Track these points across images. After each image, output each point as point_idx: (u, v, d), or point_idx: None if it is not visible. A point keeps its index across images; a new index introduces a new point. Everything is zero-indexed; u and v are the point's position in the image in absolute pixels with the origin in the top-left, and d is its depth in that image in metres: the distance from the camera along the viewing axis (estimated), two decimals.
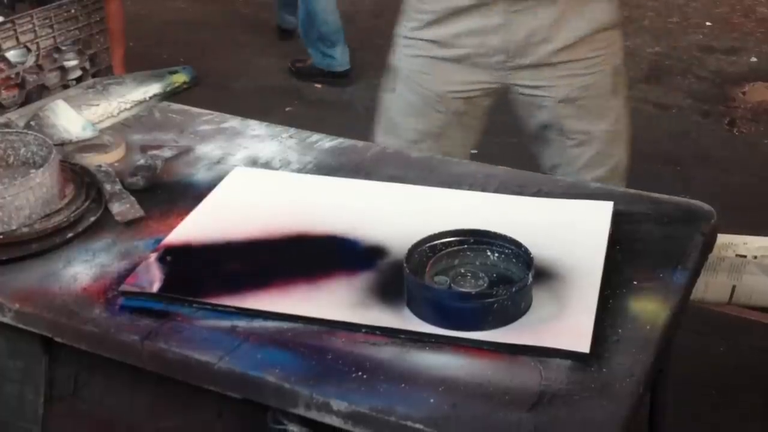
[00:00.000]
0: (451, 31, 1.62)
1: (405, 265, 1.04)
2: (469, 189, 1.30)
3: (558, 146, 1.70)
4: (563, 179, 1.33)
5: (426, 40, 1.66)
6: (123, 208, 1.26)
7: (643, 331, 1.01)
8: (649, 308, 1.05)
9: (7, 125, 1.46)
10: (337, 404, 0.92)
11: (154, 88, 1.60)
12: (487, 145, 1.84)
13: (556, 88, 1.64)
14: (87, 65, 1.72)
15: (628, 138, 1.77)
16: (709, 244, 1.21)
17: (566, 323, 1.01)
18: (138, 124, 1.53)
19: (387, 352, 0.99)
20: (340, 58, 3.85)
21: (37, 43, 1.63)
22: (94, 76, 1.72)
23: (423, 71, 1.68)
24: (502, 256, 1.08)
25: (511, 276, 1.06)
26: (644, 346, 0.99)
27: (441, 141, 1.70)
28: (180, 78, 1.63)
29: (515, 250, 1.07)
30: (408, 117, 1.72)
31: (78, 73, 1.71)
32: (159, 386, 1.05)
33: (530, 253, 1.05)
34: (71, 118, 1.45)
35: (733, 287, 1.67)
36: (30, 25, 1.61)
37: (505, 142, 2.34)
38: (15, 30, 1.60)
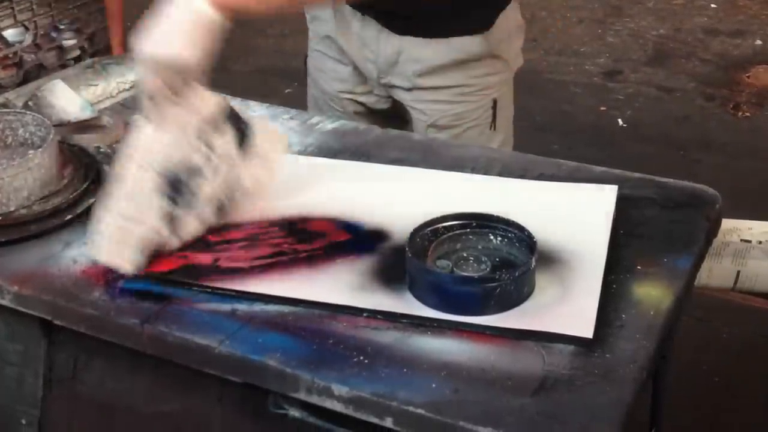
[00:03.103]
0: (338, 25, 1.57)
1: (407, 248, 1.03)
2: (471, 172, 1.29)
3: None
4: (566, 163, 1.32)
5: (321, 37, 1.63)
6: None
7: (646, 316, 1.01)
8: (653, 293, 1.04)
9: (4, 105, 1.45)
10: (339, 389, 0.92)
11: None
12: None
13: (426, 112, 1.57)
14: (85, 45, 1.71)
15: None
16: (713, 229, 1.20)
17: (569, 308, 1.01)
18: (137, 104, 1.51)
19: (389, 337, 0.98)
20: None
21: (35, 22, 1.62)
22: (92, 55, 1.71)
23: (318, 68, 1.66)
24: (505, 240, 1.07)
25: (513, 260, 1.05)
26: (648, 331, 0.98)
27: None
28: None
29: (518, 234, 1.06)
30: (314, 110, 1.70)
31: (76, 52, 1.70)
32: (159, 370, 1.05)
33: (533, 237, 1.04)
34: (70, 99, 1.44)
35: (738, 272, 1.67)
36: (27, 4, 1.60)
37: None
38: (13, 9, 1.58)
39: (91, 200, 1.22)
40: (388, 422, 0.90)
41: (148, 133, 1.09)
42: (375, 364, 0.94)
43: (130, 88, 1.54)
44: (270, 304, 1.04)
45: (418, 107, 1.58)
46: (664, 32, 4.11)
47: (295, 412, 0.97)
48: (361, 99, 1.63)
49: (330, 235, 1.15)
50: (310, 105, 1.73)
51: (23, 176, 1.17)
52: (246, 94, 1.60)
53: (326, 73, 1.65)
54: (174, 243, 1.10)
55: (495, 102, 1.57)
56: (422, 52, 1.52)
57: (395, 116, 1.65)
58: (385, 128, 1.48)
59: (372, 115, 1.65)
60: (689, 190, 1.24)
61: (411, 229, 1.06)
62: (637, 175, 1.28)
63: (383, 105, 1.64)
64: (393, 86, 1.58)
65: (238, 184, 1.15)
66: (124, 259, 1.06)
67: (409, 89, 1.56)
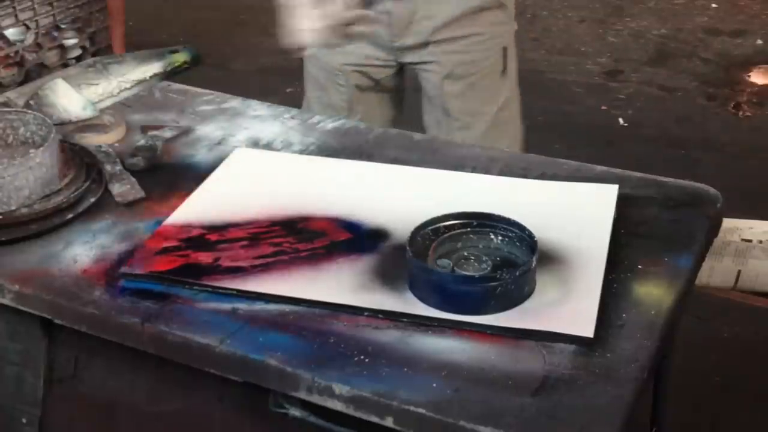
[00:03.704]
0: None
1: (408, 248, 1.03)
2: (472, 171, 1.29)
3: (445, 129, 1.71)
4: (567, 162, 1.32)
5: None
6: (123, 189, 1.25)
7: (647, 315, 1.00)
8: (654, 293, 1.04)
9: (6, 104, 1.44)
10: (339, 388, 0.92)
11: (155, 68, 1.58)
12: None
13: (441, 63, 1.66)
14: (87, 44, 1.71)
15: (516, 130, 1.76)
16: (714, 228, 1.20)
17: (570, 307, 1.01)
18: (138, 103, 1.51)
19: (389, 336, 0.98)
20: None
21: (36, 21, 1.62)
22: (93, 54, 1.71)
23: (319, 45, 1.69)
24: (506, 239, 1.07)
25: (514, 259, 1.05)
26: (649, 331, 0.98)
27: (351, 116, 1.70)
28: (180, 57, 1.61)
29: (519, 234, 1.06)
30: (315, 92, 1.76)
31: (78, 51, 1.70)
32: (159, 369, 1.05)
33: (534, 237, 1.04)
34: (71, 98, 1.44)
35: (739, 272, 1.67)
36: (29, 3, 1.60)
37: None
38: (14, 8, 1.58)
39: (92, 199, 1.22)
40: (389, 422, 0.90)
41: None
42: (376, 364, 0.94)
43: (132, 87, 1.54)
44: (271, 303, 1.04)
45: (433, 60, 1.65)
46: (665, 32, 4.11)
47: (295, 412, 0.97)
48: (368, 70, 1.69)
49: (331, 235, 1.15)
50: (309, 86, 1.76)
51: (24, 175, 1.17)
52: (247, 93, 1.60)
53: (335, 50, 1.66)
54: None
55: (505, 50, 1.67)
56: (436, 8, 1.60)
57: (399, 89, 1.73)
58: (387, 107, 1.61)
59: (376, 88, 1.71)
60: (690, 190, 1.24)
61: (412, 229, 1.06)
62: (638, 174, 1.28)
63: (390, 74, 1.71)
64: (405, 48, 1.65)
65: None
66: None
67: (425, 45, 1.63)
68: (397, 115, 1.79)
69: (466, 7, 1.62)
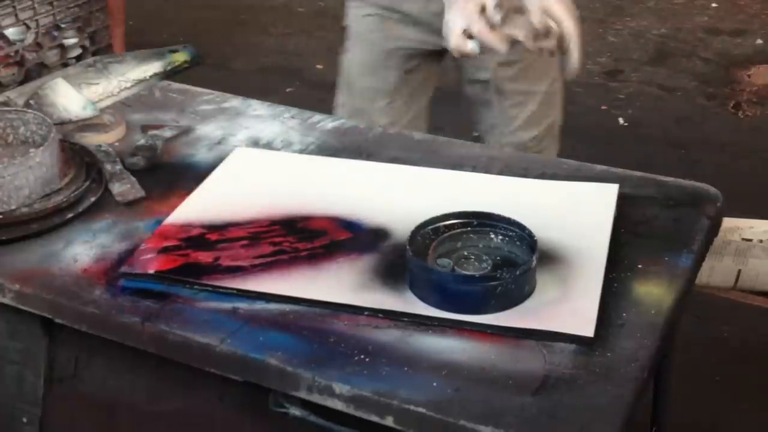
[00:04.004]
0: None
1: (408, 247, 1.03)
2: (472, 171, 1.29)
3: (497, 106, 1.75)
4: (567, 161, 1.32)
5: (373, 3, 1.72)
6: (123, 188, 1.25)
7: (647, 315, 1.01)
8: (654, 292, 1.04)
9: (6, 104, 1.44)
10: (340, 387, 0.92)
11: (155, 67, 1.58)
12: None
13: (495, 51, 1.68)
14: (87, 43, 1.71)
15: (561, 99, 1.84)
16: (715, 228, 1.20)
17: (570, 307, 1.01)
18: (138, 103, 1.51)
19: (390, 336, 0.98)
20: None
21: (37, 20, 1.62)
22: (94, 54, 1.71)
23: (372, 29, 1.75)
24: (506, 238, 1.07)
25: (514, 259, 1.05)
26: (649, 330, 0.98)
27: (395, 98, 1.76)
28: (181, 57, 1.61)
29: (519, 233, 1.06)
30: (362, 76, 1.79)
31: (78, 51, 1.70)
32: (160, 368, 1.05)
33: (534, 236, 1.04)
34: (71, 97, 1.44)
35: (739, 271, 1.67)
36: (29, 2, 1.60)
37: None
38: (14, 7, 1.58)
39: (92, 199, 1.22)
40: (389, 421, 0.90)
41: None
42: (376, 363, 0.94)
43: (132, 86, 1.54)
44: (271, 302, 1.04)
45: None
46: (665, 31, 4.11)
47: (296, 411, 0.97)
48: (417, 54, 1.74)
49: (331, 234, 1.15)
50: (354, 72, 1.79)
51: (24, 175, 1.17)
52: (247, 92, 1.61)
53: (381, 33, 1.73)
54: None
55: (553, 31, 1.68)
56: None
57: (439, 74, 1.79)
58: (429, 90, 1.72)
59: (421, 71, 1.76)
60: (690, 189, 1.24)
61: (412, 228, 1.06)
62: (638, 173, 1.28)
63: (436, 59, 1.76)
64: None
65: None
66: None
67: None
68: (431, 97, 1.84)
69: None
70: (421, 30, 1.71)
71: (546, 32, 1.24)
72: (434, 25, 1.67)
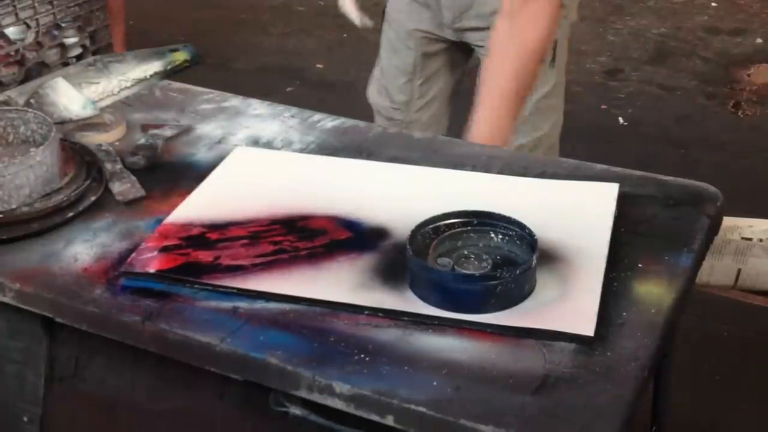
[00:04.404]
0: None
1: (408, 246, 1.03)
2: (472, 170, 1.29)
3: None
4: (567, 161, 1.32)
5: None
6: (124, 187, 1.25)
7: (648, 314, 1.01)
8: (654, 291, 1.04)
9: (6, 103, 1.44)
10: (340, 387, 0.92)
11: (155, 66, 1.58)
12: None
13: None
14: (87, 43, 1.71)
15: (559, 117, 1.87)
16: (715, 227, 1.20)
17: (570, 306, 1.01)
18: (138, 102, 1.51)
19: (390, 335, 0.98)
20: None
21: (37, 19, 1.61)
22: (94, 53, 1.71)
23: (399, 10, 1.87)
24: (506, 238, 1.07)
25: (515, 258, 1.05)
26: (649, 329, 0.98)
27: (412, 78, 1.88)
28: (181, 56, 1.61)
29: (519, 232, 1.06)
30: (387, 53, 1.92)
31: (78, 50, 1.69)
32: (160, 367, 1.05)
33: (534, 235, 1.04)
34: (71, 97, 1.44)
35: (739, 270, 1.67)
36: (29, 2, 1.60)
37: None
38: (14, 6, 1.58)
39: (93, 198, 1.22)
40: (389, 420, 0.90)
41: None
42: (376, 362, 0.94)
43: (132, 85, 1.54)
44: (271, 301, 1.04)
45: (487, 45, 1.73)
46: (664, 31, 4.11)
47: (296, 410, 0.97)
48: (434, 39, 1.84)
49: (331, 233, 1.15)
50: (383, 49, 1.94)
51: (25, 174, 1.17)
52: (247, 92, 1.61)
53: (405, 14, 1.85)
54: None
55: (555, 42, 1.73)
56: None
57: (459, 66, 1.90)
58: (447, 80, 1.86)
59: (439, 57, 1.87)
60: (690, 188, 1.24)
61: (412, 227, 1.06)
62: (638, 173, 1.28)
63: (452, 49, 1.86)
64: (465, 29, 1.78)
65: None
66: None
67: (481, 29, 1.72)
68: (453, 92, 1.93)
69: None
70: (437, 19, 1.80)
71: None
72: (444, 18, 1.79)
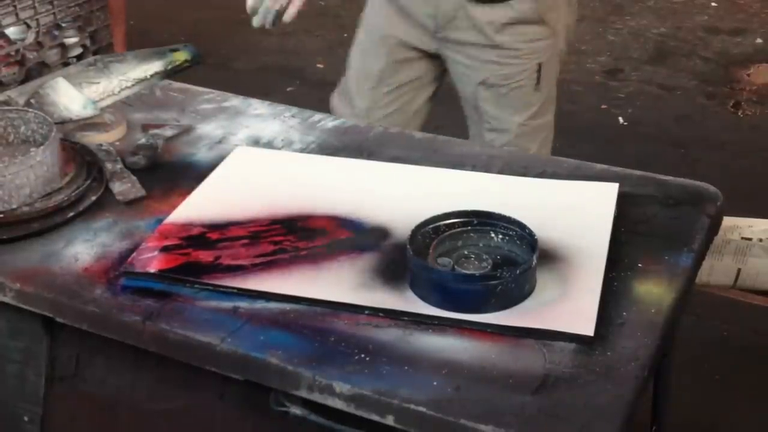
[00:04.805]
0: None
1: (408, 246, 1.03)
2: (472, 170, 1.29)
3: (475, 125, 1.78)
4: (567, 160, 1.32)
5: None
6: (124, 187, 1.25)
7: (648, 314, 1.01)
8: (654, 291, 1.04)
9: (6, 103, 1.45)
10: (340, 386, 0.92)
11: (156, 66, 1.58)
12: None
13: (477, 69, 1.72)
14: (87, 42, 1.71)
15: (548, 133, 1.82)
16: (714, 227, 1.20)
17: (570, 306, 1.01)
18: (139, 102, 1.51)
19: (390, 335, 0.98)
20: None
21: (37, 19, 1.62)
22: (94, 53, 1.71)
23: (374, 12, 1.80)
24: (506, 237, 1.07)
25: (515, 258, 1.05)
26: (649, 329, 0.99)
27: (379, 85, 1.78)
28: (181, 56, 1.61)
29: (519, 232, 1.06)
30: (356, 56, 1.85)
31: (78, 50, 1.70)
32: (161, 367, 1.05)
33: (534, 235, 1.04)
34: (72, 96, 1.44)
35: (738, 270, 1.67)
36: (30, 2, 1.60)
37: None
38: (15, 6, 1.58)
39: (93, 198, 1.22)
40: (390, 420, 0.91)
41: None
42: (376, 362, 0.94)
43: (132, 85, 1.54)
44: (271, 301, 1.04)
45: (469, 63, 1.71)
46: (664, 30, 4.11)
47: (296, 410, 0.97)
48: (409, 48, 1.76)
49: (331, 233, 1.15)
50: (354, 49, 1.85)
51: (25, 174, 1.17)
52: (248, 91, 1.61)
53: (382, 18, 1.77)
54: None
55: (540, 66, 1.71)
56: (479, 11, 1.65)
57: (433, 80, 1.80)
58: (418, 93, 1.74)
59: (412, 67, 1.78)
60: (690, 188, 1.24)
61: (412, 227, 1.06)
62: (638, 172, 1.28)
63: (428, 60, 1.78)
64: (448, 41, 1.71)
65: None
66: None
67: (464, 44, 1.68)
68: (425, 107, 1.84)
69: (505, 17, 1.65)
70: (413, 26, 1.73)
71: None
72: (426, 26, 1.72)
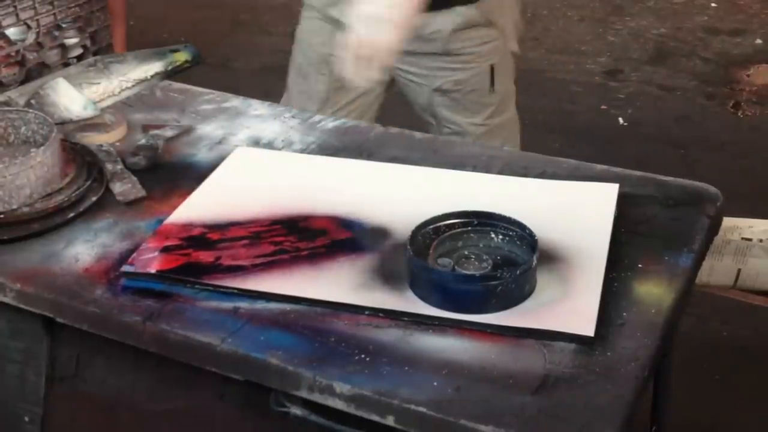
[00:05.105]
0: None
1: (408, 247, 1.03)
2: (472, 170, 1.29)
3: (435, 130, 1.76)
4: (567, 161, 1.32)
5: (317, 7, 1.72)
6: (124, 188, 1.25)
7: (648, 314, 1.01)
8: (654, 291, 1.04)
9: (7, 103, 1.45)
10: (340, 387, 0.92)
11: (156, 67, 1.58)
12: None
13: (431, 77, 1.70)
14: (88, 43, 1.71)
15: (511, 133, 1.80)
16: (714, 227, 1.20)
17: (571, 306, 1.01)
18: (139, 103, 1.51)
19: (390, 335, 0.98)
20: None
21: (37, 20, 1.62)
22: (94, 54, 1.71)
23: (312, 32, 1.75)
24: (507, 238, 1.07)
25: (515, 258, 1.06)
26: (649, 329, 0.99)
27: (323, 107, 1.73)
28: (181, 57, 1.61)
29: (519, 233, 1.06)
30: (297, 79, 1.79)
31: (79, 51, 1.70)
32: (161, 367, 1.05)
33: (535, 236, 1.04)
34: (72, 97, 1.44)
35: (738, 270, 1.67)
36: (30, 2, 1.60)
37: None
38: (15, 7, 1.58)
39: (93, 198, 1.22)
40: (390, 420, 0.91)
41: None
42: (376, 362, 0.94)
43: (133, 86, 1.54)
44: (272, 302, 1.04)
45: (421, 72, 1.69)
46: (664, 31, 4.11)
47: (296, 410, 0.97)
48: None
49: (331, 233, 1.15)
50: (292, 74, 1.80)
51: (26, 174, 1.17)
52: (248, 92, 1.61)
53: (319, 37, 1.71)
54: None
55: (492, 67, 1.70)
56: (430, 21, 1.61)
57: (380, 93, 1.75)
58: (365, 107, 1.68)
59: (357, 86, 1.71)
60: (690, 189, 1.24)
61: (412, 227, 1.06)
62: (637, 173, 1.28)
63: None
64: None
65: None
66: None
67: (412, 54, 1.64)
68: (374, 118, 1.79)
69: (452, 24, 1.63)
70: None
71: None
72: None
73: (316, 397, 0.94)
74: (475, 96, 1.71)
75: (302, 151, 1.36)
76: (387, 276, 1.06)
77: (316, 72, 1.74)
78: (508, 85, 1.77)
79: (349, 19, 1.33)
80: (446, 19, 1.63)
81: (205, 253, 1.11)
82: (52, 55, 1.66)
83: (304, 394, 0.94)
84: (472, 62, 1.68)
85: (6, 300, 1.09)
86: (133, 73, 1.55)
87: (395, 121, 1.53)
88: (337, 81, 1.68)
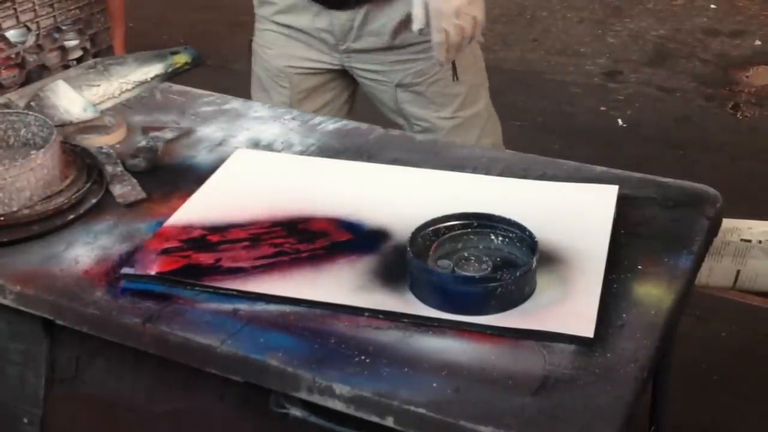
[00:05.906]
0: (287, 3, 1.65)
1: (408, 248, 1.03)
2: (473, 172, 1.29)
3: (408, 131, 1.72)
4: (567, 162, 1.32)
5: (267, 17, 1.70)
6: (124, 190, 1.25)
7: (647, 315, 1.01)
8: (653, 293, 1.04)
9: (7, 106, 1.45)
10: (340, 388, 0.92)
11: (156, 69, 1.59)
12: None
13: (391, 72, 1.67)
14: (88, 45, 1.72)
15: (488, 125, 1.75)
16: (714, 228, 1.20)
17: (570, 308, 1.01)
18: (139, 105, 1.52)
19: (390, 336, 0.99)
20: None
21: (38, 22, 1.62)
22: (94, 56, 1.72)
23: (267, 46, 1.73)
24: (506, 239, 1.07)
25: (515, 260, 1.06)
26: (648, 331, 0.99)
27: None
28: (182, 59, 1.62)
29: (519, 234, 1.07)
30: (258, 93, 1.76)
31: (79, 53, 1.70)
32: (161, 369, 1.05)
33: (534, 237, 1.05)
34: (72, 99, 1.44)
35: (738, 272, 1.67)
36: (30, 5, 1.61)
37: (508, 125, 2.33)
38: (15, 9, 1.59)
39: (93, 200, 1.22)
40: (389, 421, 0.91)
41: None
42: (376, 364, 0.95)
43: (133, 88, 1.55)
44: (272, 303, 1.04)
45: (381, 69, 1.66)
46: (663, 33, 4.11)
47: (296, 412, 0.97)
48: (312, 74, 1.69)
49: (331, 235, 1.15)
50: (254, 87, 1.78)
51: (26, 177, 1.18)
52: (248, 94, 1.61)
53: (275, 49, 1.70)
54: None
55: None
56: (375, 15, 1.60)
57: (346, 95, 1.73)
58: (333, 112, 1.63)
59: (321, 91, 1.71)
60: (689, 190, 1.24)
61: (412, 229, 1.06)
62: (637, 174, 1.28)
63: (336, 79, 1.71)
64: (351, 52, 1.65)
65: None
66: None
67: (369, 51, 1.63)
68: (349, 117, 1.76)
69: (399, 15, 1.59)
70: (312, 48, 1.67)
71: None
72: (325, 42, 1.64)
73: (316, 399, 0.94)
74: (438, 87, 1.67)
75: (302, 153, 1.37)
76: (387, 277, 1.06)
77: (277, 85, 1.72)
78: (476, 76, 1.72)
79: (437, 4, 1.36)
80: (391, 11, 1.60)
81: (205, 255, 1.12)
82: (52, 57, 1.67)
83: (303, 395, 0.94)
84: (428, 51, 1.59)
85: (6, 302, 1.09)
86: (133, 75, 1.55)
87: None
88: (300, 93, 1.69)
